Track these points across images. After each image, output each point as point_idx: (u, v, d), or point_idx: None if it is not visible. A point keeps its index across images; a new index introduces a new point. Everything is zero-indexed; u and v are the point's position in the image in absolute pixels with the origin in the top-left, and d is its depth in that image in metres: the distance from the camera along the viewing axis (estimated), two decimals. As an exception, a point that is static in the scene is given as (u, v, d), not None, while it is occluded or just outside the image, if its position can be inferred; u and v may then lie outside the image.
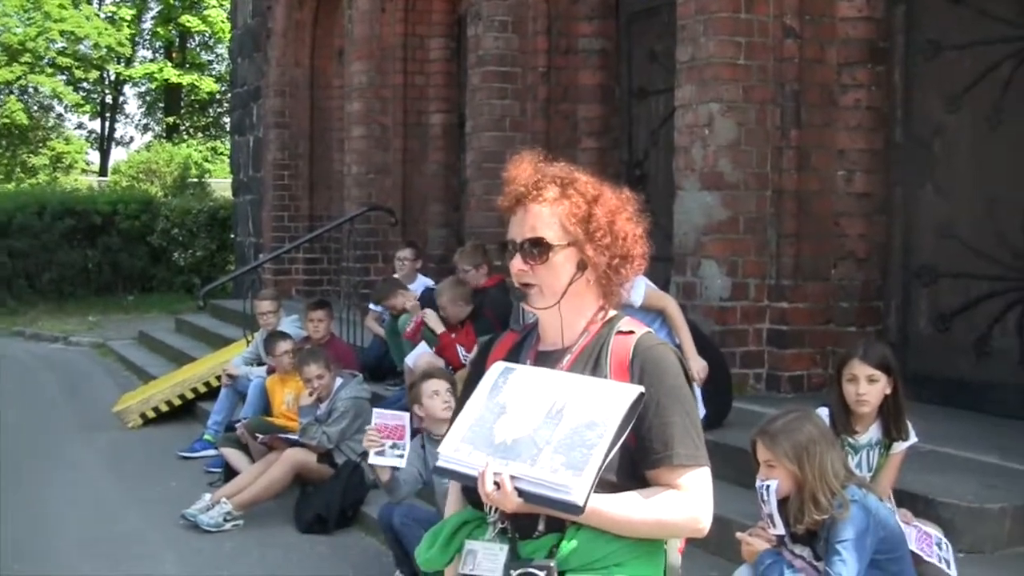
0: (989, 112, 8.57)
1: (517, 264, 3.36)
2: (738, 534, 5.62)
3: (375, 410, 7.36)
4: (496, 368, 3.37)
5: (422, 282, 12.32)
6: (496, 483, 3.09)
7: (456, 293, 10.25)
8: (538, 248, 3.34)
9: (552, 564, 3.14)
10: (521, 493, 3.09)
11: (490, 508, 3.24)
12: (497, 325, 10.00)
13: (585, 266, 3.38)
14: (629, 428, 3.14)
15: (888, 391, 6.04)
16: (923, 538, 5.84)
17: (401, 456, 7.34)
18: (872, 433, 6.11)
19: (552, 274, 3.35)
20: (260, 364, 11.87)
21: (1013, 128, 8.45)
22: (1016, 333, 8.44)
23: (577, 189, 3.39)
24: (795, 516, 5.28)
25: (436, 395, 7.50)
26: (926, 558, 5.80)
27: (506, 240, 3.43)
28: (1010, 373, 8.48)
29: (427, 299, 10.97)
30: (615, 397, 3.14)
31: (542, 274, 3.35)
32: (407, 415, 7.32)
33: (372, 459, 7.08)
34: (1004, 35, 8.49)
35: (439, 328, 10.26)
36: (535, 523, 3.20)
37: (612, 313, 3.46)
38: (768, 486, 5.29)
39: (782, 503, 5.31)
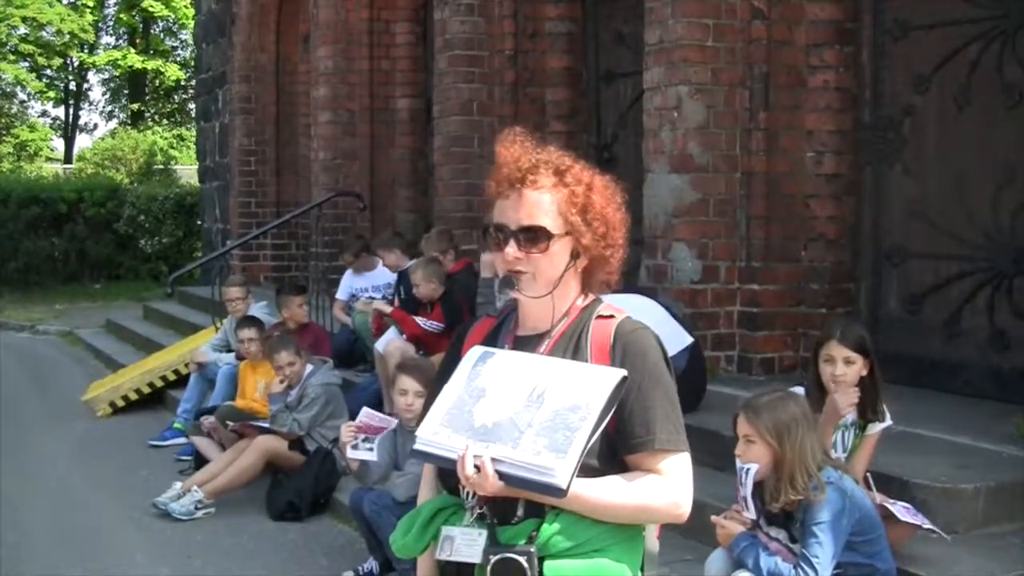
0: (957, 93, 8.59)
1: (511, 251, 3.30)
2: (713, 518, 5.63)
3: (366, 410, 7.34)
4: (474, 352, 3.33)
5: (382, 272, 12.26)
6: (476, 466, 3.06)
7: (430, 271, 10.22)
8: (537, 237, 3.28)
9: (532, 549, 3.11)
10: (502, 476, 3.05)
11: (468, 493, 3.21)
12: (465, 309, 10.01)
13: (578, 254, 3.35)
14: (612, 412, 3.12)
15: (864, 372, 6.06)
16: (907, 511, 5.91)
17: (371, 450, 7.34)
18: (848, 415, 6.13)
19: (549, 263, 3.30)
20: (229, 351, 11.84)
21: (981, 108, 8.47)
22: (986, 313, 8.47)
23: (574, 176, 3.34)
24: (771, 495, 5.30)
25: (404, 394, 7.46)
26: (923, 525, 5.88)
27: (492, 224, 3.36)
28: (980, 353, 8.51)
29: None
30: (598, 380, 3.11)
31: (538, 262, 3.29)
32: (395, 421, 7.31)
33: (348, 452, 7.07)
34: (971, 16, 8.50)
35: (388, 309, 10.30)
36: (514, 508, 3.17)
37: (591, 298, 3.44)
38: (748, 469, 5.30)
39: (757, 486, 5.32)
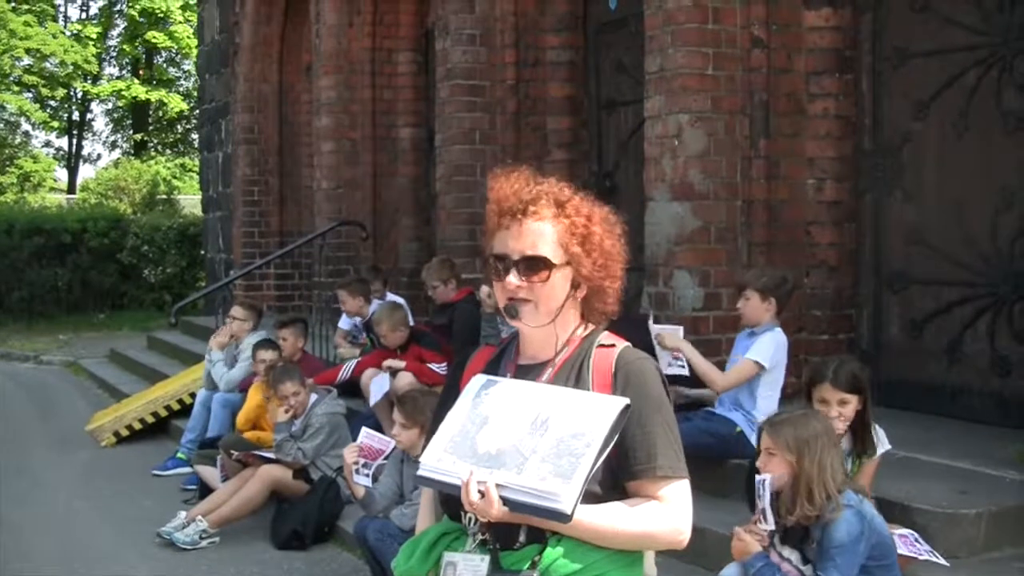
0: (956, 119, 8.63)
1: (512, 281, 3.34)
2: (735, 528, 5.65)
3: (365, 430, 7.37)
4: (477, 380, 3.36)
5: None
6: (481, 492, 3.09)
7: (395, 319, 10.22)
8: (538, 266, 3.32)
9: (535, 574, 3.14)
10: (506, 502, 3.07)
11: (470, 519, 3.24)
12: (466, 339, 10.04)
13: (578, 284, 3.39)
14: (615, 440, 3.15)
15: (859, 407, 6.11)
16: (904, 540, 5.91)
17: (367, 476, 7.39)
18: (844, 443, 6.16)
19: (550, 292, 3.34)
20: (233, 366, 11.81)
21: (980, 134, 8.51)
22: (987, 338, 8.49)
23: (574, 207, 3.39)
24: (787, 508, 5.33)
25: (393, 425, 7.61)
26: (918, 556, 5.88)
27: (494, 254, 3.40)
28: (981, 378, 8.53)
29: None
30: (601, 409, 3.14)
31: (539, 292, 3.33)
32: (393, 443, 7.36)
33: (352, 476, 7.12)
34: (970, 43, 8.55)
35: (401, 364, 10.18)
36: (516, 534, 3.20)
37: (591, 328, 3.47)
38: (764, 480, 5.34)
39: (774, 499, 5.36)
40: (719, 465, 7.46)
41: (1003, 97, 8.34)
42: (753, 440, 6.50)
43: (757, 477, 5.45)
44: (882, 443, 6.31)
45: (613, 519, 3.18)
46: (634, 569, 3.30)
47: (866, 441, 6.20)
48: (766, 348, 7.65)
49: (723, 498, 7.06)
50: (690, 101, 9.13)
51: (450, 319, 10.56)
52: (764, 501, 5.37)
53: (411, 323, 10.52)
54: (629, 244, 3.51)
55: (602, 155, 12.39)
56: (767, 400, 7.61)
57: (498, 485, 3.08)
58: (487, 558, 3.21)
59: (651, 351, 7.94)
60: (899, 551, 5.83)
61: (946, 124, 8.72)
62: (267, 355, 10.65)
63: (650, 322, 8.37)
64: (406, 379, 9.80)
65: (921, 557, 5.91)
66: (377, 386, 10.28)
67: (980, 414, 8.48)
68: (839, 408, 6.07)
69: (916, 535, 6.05)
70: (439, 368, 9.99)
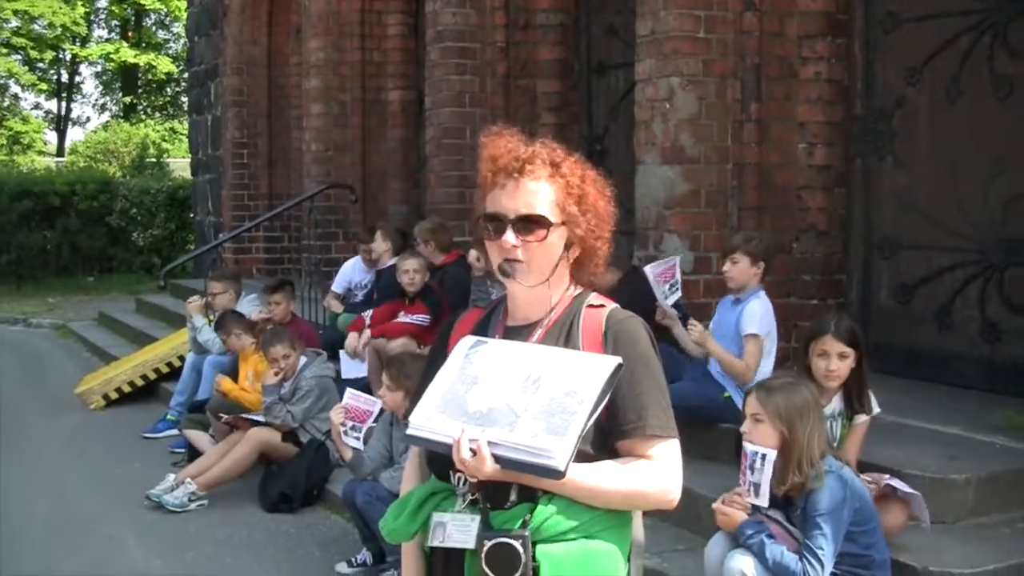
0: (948, 84, 8.61)
1: (508, 240, 3.31)
2: (714, 504, 5.65)
3: (350, 391, 7.36)
4: (465, 342, 3.34)
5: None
6: (472, 450, 3.08)
7: (422, 262, 10.31)
8: (535, 225, 3.30)
9: (526, 534, 3.11)
10: (498, 460, 3.05)
11: (460, 479, 3.23)
12: (446, 299, 10.07)
13: (571, 244, 3.37)
14: (607, 398, 3.14)
15: (853, 365, 6.11)
16: (902, 484, 5.99)
17: (358, 439, 7.39)
18: (835, 404, 6.19)
19: (544, 252, 3.31)
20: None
21: (972, 100, 8.49)
22: (977, 305, 8.49)
23: (569, 167, 3.37)
24: (777, 478, 5.32)
25: (381, 386, 7.65)
26: (914, 493, 5.96)
27: (488, 213, 3.37)
28: (971, 344, 8.54)
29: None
30: (594, 367, 3.13)
31: (534, 251, 3.31)
32: (379, 403, 7.36)
33: (341, 436, 7.12)
34: (963, 7, 8.52)
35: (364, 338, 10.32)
36: (507, 493, 3.18)
37: (580, 289, 3.46)
38: (764, 455, 5.33)
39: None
40: (709, 429, 7.46)
41: (996, 63, 8.32)
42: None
43: (751, 448, 5.43)
44: (872, 407, 6.32)
45: (603, 477, 3.17)
46: (623, 530, 3.29)
47: (862, 400, 6.19)
48: (758, 316, 7.63)
49: (712, 461, 7.06)
50: (681, 64, 9.10)
51: (440, 281, 10.54)
52: (761, 475, 5.35)
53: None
54: (619, 208, 3.50)
55: (592, 119, 12.37)
56: (761, 367, 7.60)
57: (490, 443, 3.06)
58: (477, 518, 3.19)
59: (651, 298, 8.00)
60: (903, 491, 5.90)
61: (938, 89, 8.70)
62: (237, 328, 10.68)
63: (645, 269, 8.37)
64: (400, 342, 9.81)
65: (919, 503, 5.95)
66: (344, 361, 10.38)
67: (969, 380, 8.49)
68: (838, 361, 6.07)
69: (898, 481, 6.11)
70: (412, 319, 10.04)
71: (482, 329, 3.49)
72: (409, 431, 3.21)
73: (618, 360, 3.17)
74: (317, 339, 11.06)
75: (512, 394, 3.11)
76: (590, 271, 3.46)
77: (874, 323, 9.10)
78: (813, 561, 5.18)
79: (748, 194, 9.30)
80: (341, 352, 10.61)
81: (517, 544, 3.11)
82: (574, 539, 3.16)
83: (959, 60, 8.54)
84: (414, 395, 3.39)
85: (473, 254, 10.06)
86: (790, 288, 9.34)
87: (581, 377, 3.10)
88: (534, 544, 3.13)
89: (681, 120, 9.12)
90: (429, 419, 3.16)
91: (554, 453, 3.00)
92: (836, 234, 9.38)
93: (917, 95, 8.87)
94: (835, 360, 6.08)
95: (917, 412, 7.67)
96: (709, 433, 7.43)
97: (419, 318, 10.09)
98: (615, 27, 11.78)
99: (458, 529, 3.21)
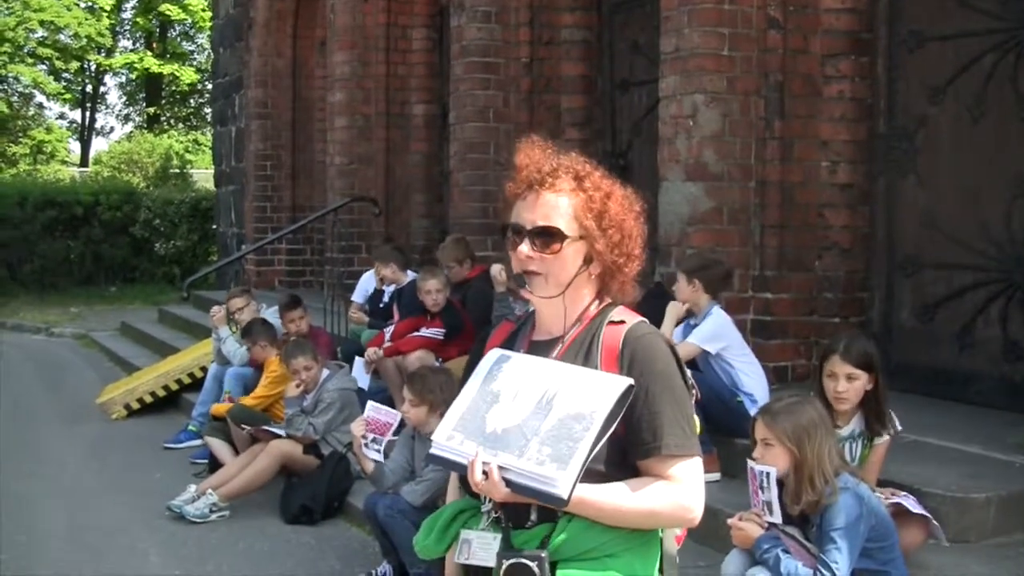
0: (971, 103, 8.61)
1: (524, 251, 3.35)
2: (729, 520, 5.65)
3: (370, 403, 7.38)
4: (492, 355, 3.38)
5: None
6: (485, 472, 3.11)
7: (444, 280, 10.32)
8: (550, 238, 3.32)
9: (544, 554, 3.15)
10: (509, 483, 3.10)
11: (484, 498, 3.26)
12: (464, 312, 10.10)
13: (591, 260, 3.38)
14: (617, 420, 3.15)
15: (869, 387, 6.09)
16: (915, 503, 5.99)
17: (379, 451, 7.41)
18: (854, 425, 6.17)
19: (560, 265, 3.34)
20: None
21: (995, 119, 8.49)
22: (999, 324, 8.48)
23: (592, 182, 3.39)
24: (792, 498, 5.32)
25: (403, 402, 7.66)
26: (928, 514, 5.95)
27: (510, 223, 3.40)
28: (992, 363, 8.52)
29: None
30: (604, 389, 3.15)
31: (550, 264, 3.34)
32: (399, 415, 7.37)
33: (362, 449, 7.14)
34: (987, 27, 8.52)
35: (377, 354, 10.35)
36: (528, 513, 3.21)
37: (604, 303, 3.47)
38: (768, 473, 5.34)
39: (780, 489, 5.36)
40: (729, 445, 7.46)
41: (1019, 82, 8.32)
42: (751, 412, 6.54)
43: (756, 467, 5.44)
44: (895, 424, 6.30)
45: (614, 498, 3.19)
46: (648, 549, 3.30)
47: (882, 420, 6.17)
48: (706, 331, 7.83)
49: (736, 479, 7.06)
50: (705, 81, 9.12)
51: (464, 296, 10.56)
52: (771, 494, 5.37)
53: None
54: (646, 228, 3.51)
55: (616, 135, 12.39)
56: (750, 376, 7.70)
57: (500, 467, 3.11)
58: (499, 536, 3.23)
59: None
60: (913, 510, 5.90)
61: (961, 109, 8.70)
62: (262, 339, 10.70)
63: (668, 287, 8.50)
64: (417, 356, 9.83)
65: (924, 511, 5.95)
66: (358, 368, 10.38)
67: (991, 399, 8.47)
68: (846, 383, 6.04)
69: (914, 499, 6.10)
70: (428, 332, 10.07)
71: (511, 343, 3.52)
72: (431, 450, 3.26)
73: (629, 382, 3.18)
74: (333, 348, 11.08)
75: (526, 415, 3.16)
76: (615, 289, 3.47)
77: (896, 341, 9.10)
78: (827, 575, 5.18)
79: (771, 211, 9.30)
80: (356, 360, 10.61)
81: (534, 565, 3.14)
82: (594, 559, 3.18)
83: (982, 79, 8.54)
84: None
85: (495, 268, 10.07)
86: (812, 306, 9.35)
87: (591, 399, 3.13)
88: (553, 565, 3.15)
89: (704, 137, 9.14)
90: (449, 439, 3.22)
91: (557, 482, 3.04)
92: (858, 252, 9.38)
93: (940, 114, 8.87)
94: (843, 382, 6.03)
95: (938, 431, 7.66)
96: (730, 449, 7.44)
97: (433, 331, 10.12)
98: (639, 44, 11.82)
99: (481, 547, 3.25)
